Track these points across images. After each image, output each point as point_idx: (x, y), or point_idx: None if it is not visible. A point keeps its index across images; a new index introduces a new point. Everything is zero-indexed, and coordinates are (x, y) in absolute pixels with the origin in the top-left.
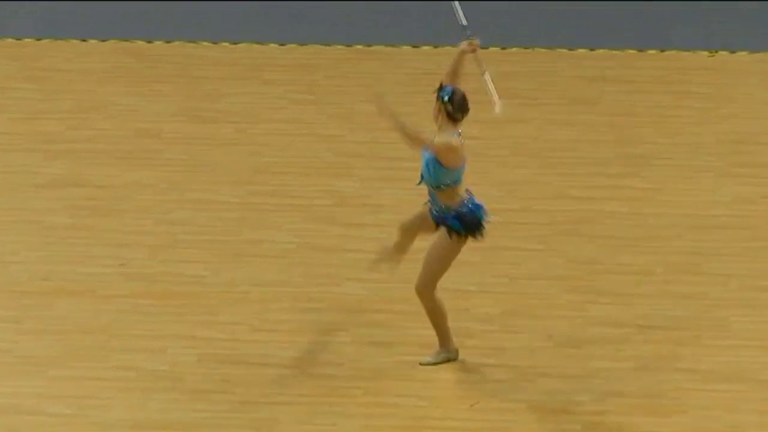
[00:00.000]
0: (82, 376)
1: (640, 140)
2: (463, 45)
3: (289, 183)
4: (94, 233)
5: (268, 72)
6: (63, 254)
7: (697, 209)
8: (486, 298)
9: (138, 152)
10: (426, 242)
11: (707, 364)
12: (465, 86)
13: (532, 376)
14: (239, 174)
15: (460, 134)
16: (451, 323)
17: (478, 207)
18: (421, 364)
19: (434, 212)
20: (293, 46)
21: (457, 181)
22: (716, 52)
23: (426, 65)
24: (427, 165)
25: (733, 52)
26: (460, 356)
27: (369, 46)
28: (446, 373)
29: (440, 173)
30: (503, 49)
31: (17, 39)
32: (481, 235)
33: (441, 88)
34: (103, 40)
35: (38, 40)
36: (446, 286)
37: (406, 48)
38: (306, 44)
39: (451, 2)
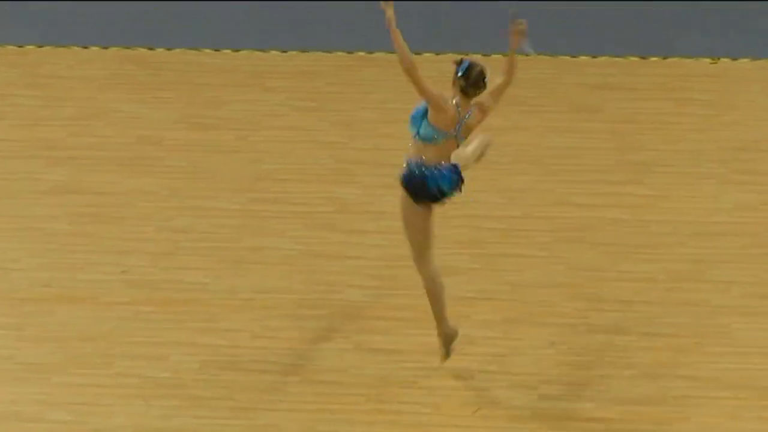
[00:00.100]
0: (83, 383)
1: (642, 147)
2: (513, 29)
3: (290, 190)
4: (95, 240)
5: (270, 79)
6: (64, 261)
7: (699, 216)
8: (488, 305)
9: (139, 159)
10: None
11: (709, 372)
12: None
13: (534, 383)
14: (240, 181)
15: (471, 113)
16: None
17: (423, 173)
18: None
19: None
20: (294, 53)
21: (425, 139)
22: (718, 59)
23: (428, 72)
24: (418, 109)
25: (735, 59)
26: (463, 363)
27: (371, 53)
28: (448, 380)
29: (418, 121)
30: (505, 56)
31: (19, 46)
32: (415, 198)
33: (460, 62)
34: (105, 48)
35: (40, 47)
36: (448, 293)
37: None
38: (307, 51)
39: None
